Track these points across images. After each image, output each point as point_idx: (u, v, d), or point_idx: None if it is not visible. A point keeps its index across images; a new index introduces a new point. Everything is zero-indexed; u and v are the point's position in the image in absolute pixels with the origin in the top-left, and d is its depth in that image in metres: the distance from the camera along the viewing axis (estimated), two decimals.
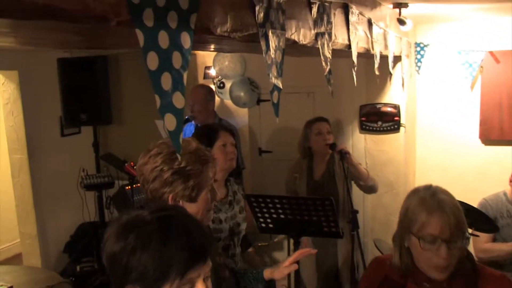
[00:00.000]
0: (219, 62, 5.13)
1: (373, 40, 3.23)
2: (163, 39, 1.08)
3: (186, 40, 1.15)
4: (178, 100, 1.13)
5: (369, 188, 3.99)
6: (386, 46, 3.71)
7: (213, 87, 5.50)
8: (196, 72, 5.73)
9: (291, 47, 1.90)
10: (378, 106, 4.89)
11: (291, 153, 5.14)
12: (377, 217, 5.05)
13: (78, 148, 5.74)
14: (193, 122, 4.58)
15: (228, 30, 1.34)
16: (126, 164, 4.82)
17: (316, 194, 3.90)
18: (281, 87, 1.68)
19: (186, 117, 4.49)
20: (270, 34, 1.52)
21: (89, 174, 5.25)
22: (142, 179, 1.80)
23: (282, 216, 3.22)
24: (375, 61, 3.26)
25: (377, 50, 3.33)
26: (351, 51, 2.64)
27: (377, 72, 3.32)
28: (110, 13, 0.93)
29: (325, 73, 2.13)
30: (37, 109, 5.31)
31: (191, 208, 1.74)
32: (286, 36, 1.69)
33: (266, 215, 3.27)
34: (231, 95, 5.26)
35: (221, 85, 5.41)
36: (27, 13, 0.80)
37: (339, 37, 2.41)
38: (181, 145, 1.11)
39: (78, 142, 5.79)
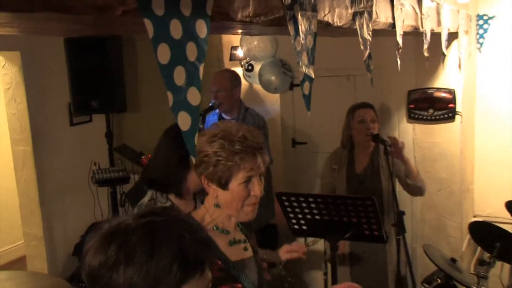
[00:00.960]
0: (247, 42, 5.16)
1: (422, 16, 3.20)
2: (176, 29, 1.10)
3: (202, 28, 1.17)
4: (194, 97, 1.16)
5: (417, 189, 3.96)
6: (439, 22, 3.66)
7: (240, 70, 5.52)
8: (221, 53, 5.76)
9: (324, 29, 1.91)
10: (430, 91, 4.85)
11: (328, 144, 5.14)
12: (428, 220, 5.03)
13: (89, 139, 5.86)
14: (217, 110, 4.63)
15: (251, 14, 1.36)
16: (143, 157, 4.90)
17: (357, 189, 3.91)
18: (313, 76, 1.70)
19: (210, 104, 4.54)
20: (299, 16, 1.54)
21: (101, 168, 5.33)
22: None
23: (317, 217, 3.24)
24: (424, 41, 3.23)
25: (427, 28, 3.29)
26: (395, 31, 2.62)
27: (426, 54, 3.28)
28: (114, 2, 0.96)
29: (364, 58, 2.14)
30: (43, 95, 5.42)
31: (224, 195, 1.95)
32: (318, 18, 1.70)
33: (299, 216, 3.30)
34: (260, 79, 5.29)
35: (249, 67, 5.44)
36: (23, 5, 0.83)
37: (381, 15, 2.40)
38: (195, 146, 1.14)
39: (88, 132, 5.91)
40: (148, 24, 1.03)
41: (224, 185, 1.94)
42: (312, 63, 1.67)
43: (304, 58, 1.61)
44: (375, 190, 3.77)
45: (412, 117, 4.94)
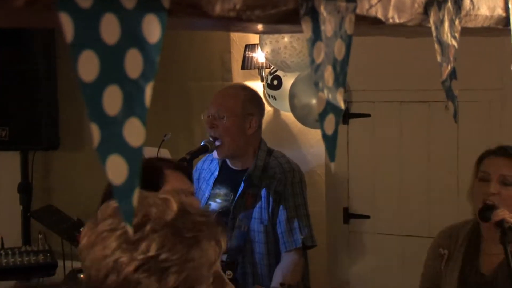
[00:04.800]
0: (272, 40, 5.21)
1: None
2: (110, 29, 1.23)
3: (152, 29, 1.30)
4: (134, 133, 1.26)
5: None
6: None
7: (259, 85, 5.73)
8: (228, 55, 5.95)
9: (372, 29, 2.02)
10: None
11: (414, 222, 5.22)
12: None
13: None
14: (214, 154, 4.67)
15: (237, 7, 1.47)
16: (81, 229, 4.95)
17: None
18: (341, 106, 1.81)
19: (202, 143, 4.58)
20: (322, 10, 1.67)
21: (7, 247, 5.44)
22: (87, 272, 2.02)
23: None
24: None
25: None
26: (509, 30, 2.71)
27: None
28: None
29: (443, 77, 2.24)
30: None
31: None
32: (359, 11, 1.82)
33: None
34: (292, 103, 5.34)
35: (275, 82, 5.59)
36: None
37: (481, 4, 2.49)
38: (134, 213, 1.27)
39: None
40: (66, 20, 1.15)
41: None
42: (341, 84, 1.77)
43: (328, 77, 1.72)
44: None
45: None
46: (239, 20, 1.54)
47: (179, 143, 5.04)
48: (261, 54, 5.59)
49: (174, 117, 5.84)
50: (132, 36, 1.28)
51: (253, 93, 4.88)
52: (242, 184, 4.60)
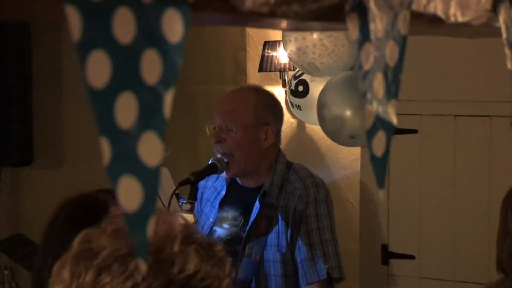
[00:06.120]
0: (298, 37, 5.21)
1: None
2: (124, 25, 1.25)
3: (174, 25, 1.31)
4: (151, 149, 1.28)
5: None
6: None
7: (280, 91, 5.76)
8: (243, 53, 5.95)
9: (428, 26, 2.05)
10: None
11: (468, 265, 5.26)
12: None
13: None
14: (223, 175, 4.69)
15: (272, 1, 1.50)
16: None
17: None
18: (394, 121, 1.83)
19: (210, 161, 4.55)
20: (371, 5, 1.70)
21: None
22: None
23: None
24: None
25: None
26: None
27: None
28: None
29: None
30: None
31: None
32: (415, 7, 1.84)
33: None
34: (321, 115, 5.35)
35: (300, 88, 5.61)
36: None
37: None
38: (149, 245, 1.29)
39: None
40: (73, 15, 1.17)
41: None
42: (394, 95, 1.79)
43: (378, 86, 1.73)
44: None
45: None
46: (272, 16, 1.56)
47: (182, 161, 5.03)
48: (283, 54, 5.60)
49: (176, 128, 5.77)
50: (149, 34, 1.29)
51: (267, 95, 4.83)
52: (258, 204, 4.53)
